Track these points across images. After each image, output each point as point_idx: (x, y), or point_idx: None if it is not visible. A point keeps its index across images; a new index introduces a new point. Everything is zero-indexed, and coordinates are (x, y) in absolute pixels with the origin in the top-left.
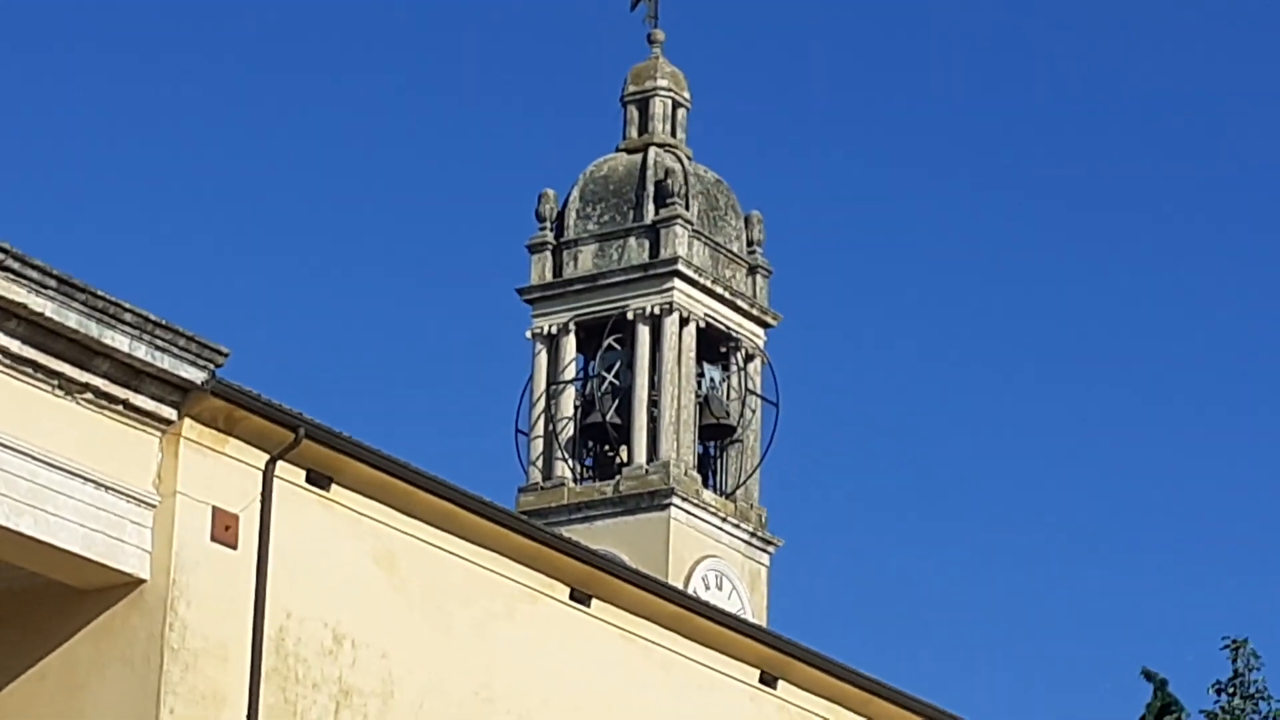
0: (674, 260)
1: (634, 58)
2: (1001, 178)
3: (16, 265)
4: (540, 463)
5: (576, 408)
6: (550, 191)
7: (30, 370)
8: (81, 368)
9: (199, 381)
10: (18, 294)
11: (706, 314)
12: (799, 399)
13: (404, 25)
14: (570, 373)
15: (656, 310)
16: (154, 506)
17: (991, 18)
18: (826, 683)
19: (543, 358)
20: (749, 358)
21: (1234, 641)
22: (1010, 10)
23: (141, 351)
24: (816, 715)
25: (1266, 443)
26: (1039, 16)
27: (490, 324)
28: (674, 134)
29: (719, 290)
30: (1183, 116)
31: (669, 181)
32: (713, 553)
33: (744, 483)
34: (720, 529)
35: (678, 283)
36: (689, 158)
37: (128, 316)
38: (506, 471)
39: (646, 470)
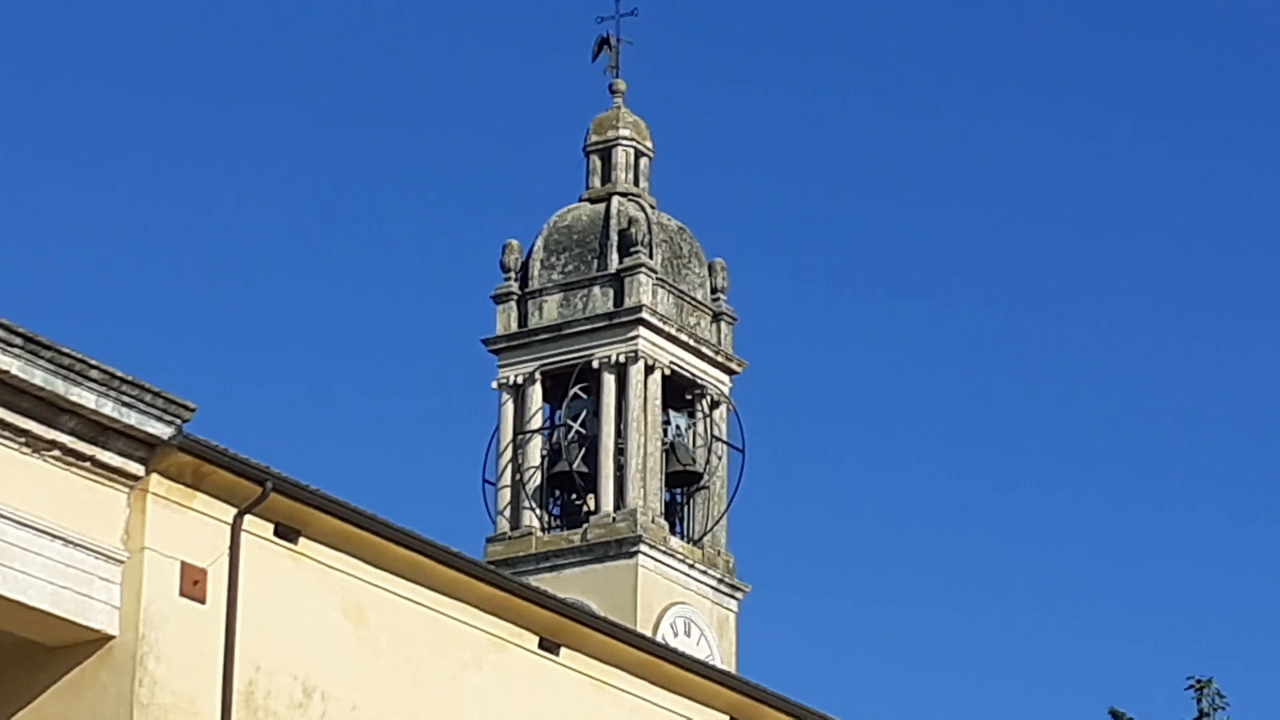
0: (638, 309)
1: (596, 108)
2: (966, 224)
3: None
4: (508, 512)
5: (543, 457)
6: (514, 242)
7: None
8: (48, 425)
9: (166, 437)
10: None
11: (672, 362)
12: (765, 445)
13: (367, 80)
14: (536, 422)
15: (622, 359)
16: (122, 562)
17: (951, 65)
18: None
19: (509, 407)
20: (714, 404)
21: (1199, 681)
22: (969, 58)
23: (108, 408)
24: None
25: (1232, 484)
26: (1001, 57)
27: (456, 375)
28: (637, 183)
29: (684, 338)
30: (1168, 136)
31: (632, 230)
32: (681, 599)
33: (711, 529)
34: (688, 576)
35: (643, 331)
36: (652, 206)
37: (94, 373)
38: (474, 522)
39: (614, 518)
